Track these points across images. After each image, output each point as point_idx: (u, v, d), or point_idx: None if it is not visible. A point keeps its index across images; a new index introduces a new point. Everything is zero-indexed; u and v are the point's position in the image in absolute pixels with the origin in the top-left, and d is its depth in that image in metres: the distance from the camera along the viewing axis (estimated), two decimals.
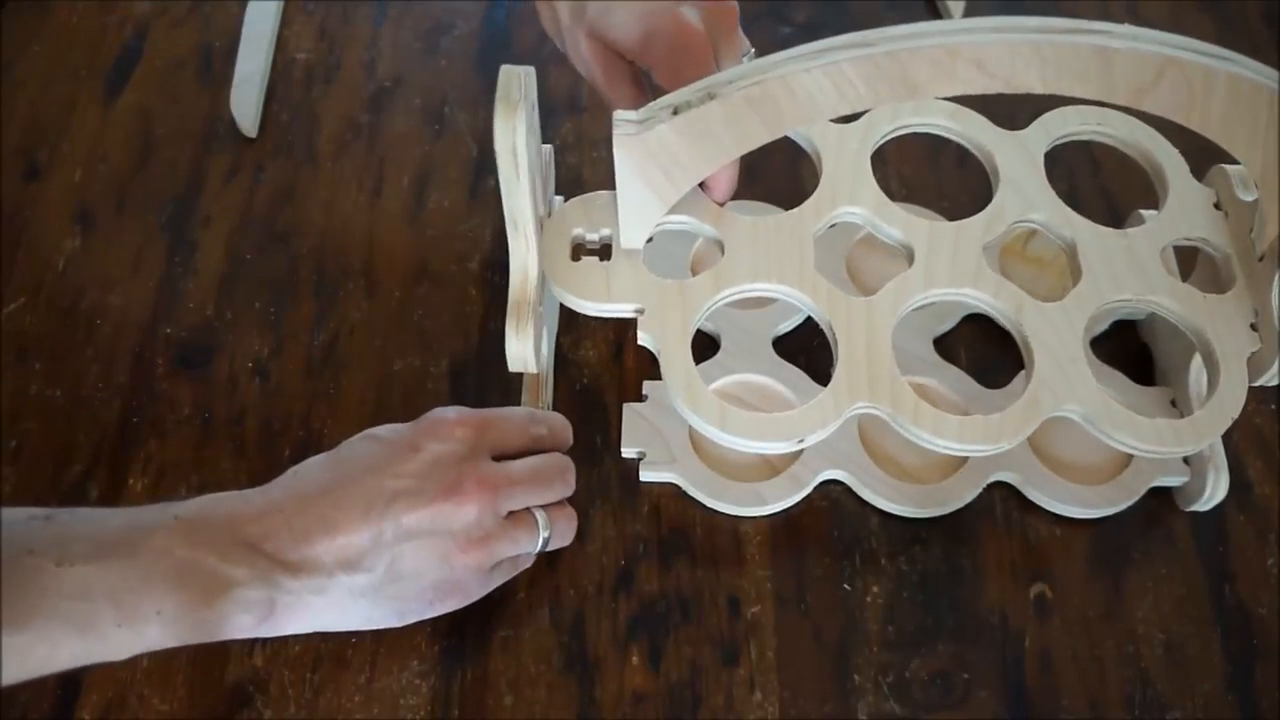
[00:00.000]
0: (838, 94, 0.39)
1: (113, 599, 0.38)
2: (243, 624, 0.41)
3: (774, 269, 0.47)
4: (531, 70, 0.39)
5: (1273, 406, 0.56)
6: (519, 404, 0.52)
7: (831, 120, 0.46)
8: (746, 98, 0.39)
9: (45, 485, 0.52)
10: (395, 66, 0.66)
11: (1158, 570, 0.52)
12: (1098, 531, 0.52)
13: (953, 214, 0.52)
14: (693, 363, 0.46)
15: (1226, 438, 0.55)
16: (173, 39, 0.67)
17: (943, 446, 0.45)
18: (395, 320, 0.57)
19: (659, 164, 0.41)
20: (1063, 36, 0.38)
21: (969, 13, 0.71)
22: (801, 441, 0.44)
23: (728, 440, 0.45)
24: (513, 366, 0.46)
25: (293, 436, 0.53)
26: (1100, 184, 0.63)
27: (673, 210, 0.47)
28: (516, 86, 0.38)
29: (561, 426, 0.50)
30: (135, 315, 0.57)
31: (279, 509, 0.42)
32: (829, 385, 0.45)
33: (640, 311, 0.46)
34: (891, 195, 0.50)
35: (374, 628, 0.45)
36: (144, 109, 0.64)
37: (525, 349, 0.45)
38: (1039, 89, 0.39)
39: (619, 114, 0.40)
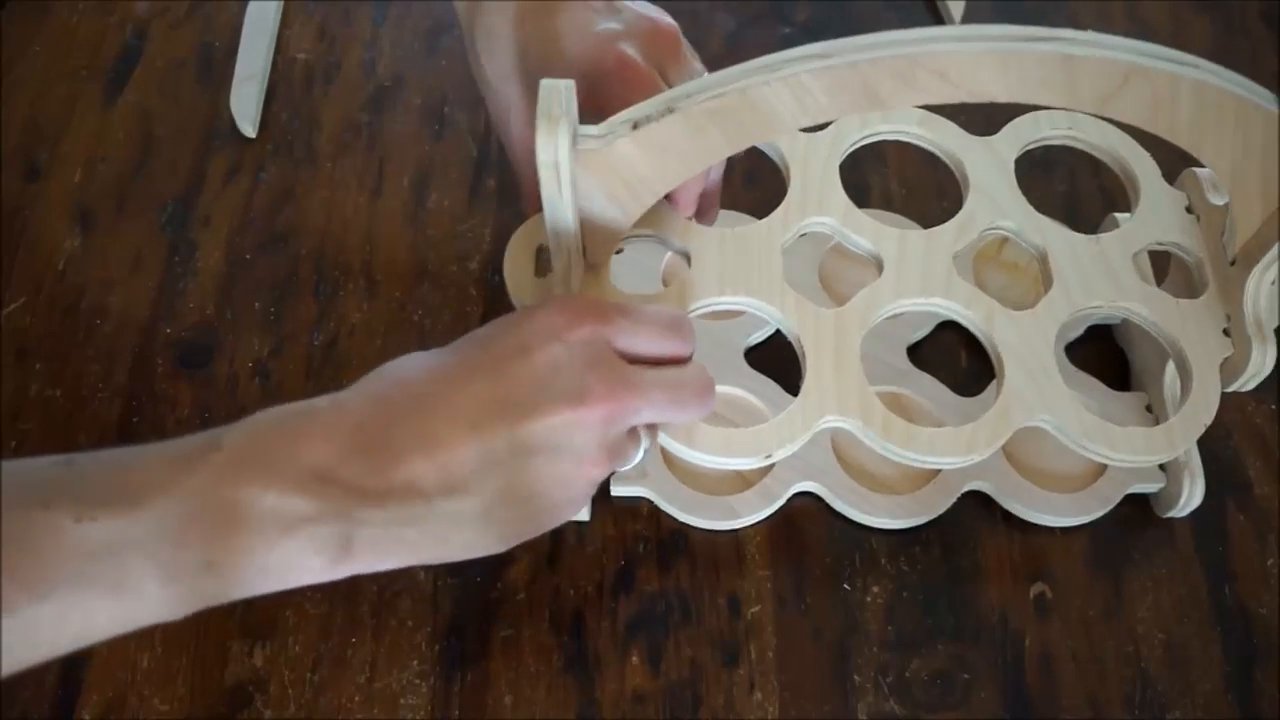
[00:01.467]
0: (799, 106, 0.39)
1: (149, 554, 0.32)
2: (312, 568, 0.35)
3: (741, 281, 0.47)
4: (572, 84, 0.39)
5: (1273, 406, 0.56)
6: None
7: (800, 129, 0.46)
8: (706, 111, 0.39)
9: None
10: (395, 66, 0.66)
11: (1158, 570, 0.52)
12: (1098, 532, 0.52)
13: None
14: None
15: (1226, 437, 0.55)
16: (173, 39, 0.67)
17: (913, 459, 0.44)
18: (395, 320, 0.57)
19: (621, 178, 0.40)
20: (1025, 45, 0.37)
21: (969, 13, 0.71)
22: (769, 457, 0.44)
23: (695, 456, 0.44)
24: None
25: None
26: (1101, 184, 0.63)
27: (639, 222, 0.47)
28: (558, 102, 0.38)
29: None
30: (135, 315, 0.57)
31: (358, 423, 0.35)
32: (797, 399, 0.45)
33: None
34: (891, 195, 0.50)
35: (474, 556, 0.38)
36: (144, 109, 0.65)
37: None
38: (1003, 98, 0.39)
39: (581, 128, 0.39)
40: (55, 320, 0.57)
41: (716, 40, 0.69)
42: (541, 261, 0.48)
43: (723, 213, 0.57)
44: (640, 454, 0.42)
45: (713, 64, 0.67)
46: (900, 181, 0.62)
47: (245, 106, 0.64)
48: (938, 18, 0.71)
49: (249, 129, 0.63)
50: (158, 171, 0.62)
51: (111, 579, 0.32)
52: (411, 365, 0.38)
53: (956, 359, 0.56)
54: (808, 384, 0.45)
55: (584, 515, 0.51)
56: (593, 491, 0.40)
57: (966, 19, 0.70)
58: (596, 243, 0.44)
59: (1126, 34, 0.72)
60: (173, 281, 0.58)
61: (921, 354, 0.56)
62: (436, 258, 0.59)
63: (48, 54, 0.66)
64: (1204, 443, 0.54)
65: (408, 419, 0.35)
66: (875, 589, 0.51)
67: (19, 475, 0.33)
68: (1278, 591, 0.51)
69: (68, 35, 0.67)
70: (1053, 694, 0.48)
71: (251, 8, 0.68)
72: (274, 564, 0.34)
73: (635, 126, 0.39)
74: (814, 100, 0.38)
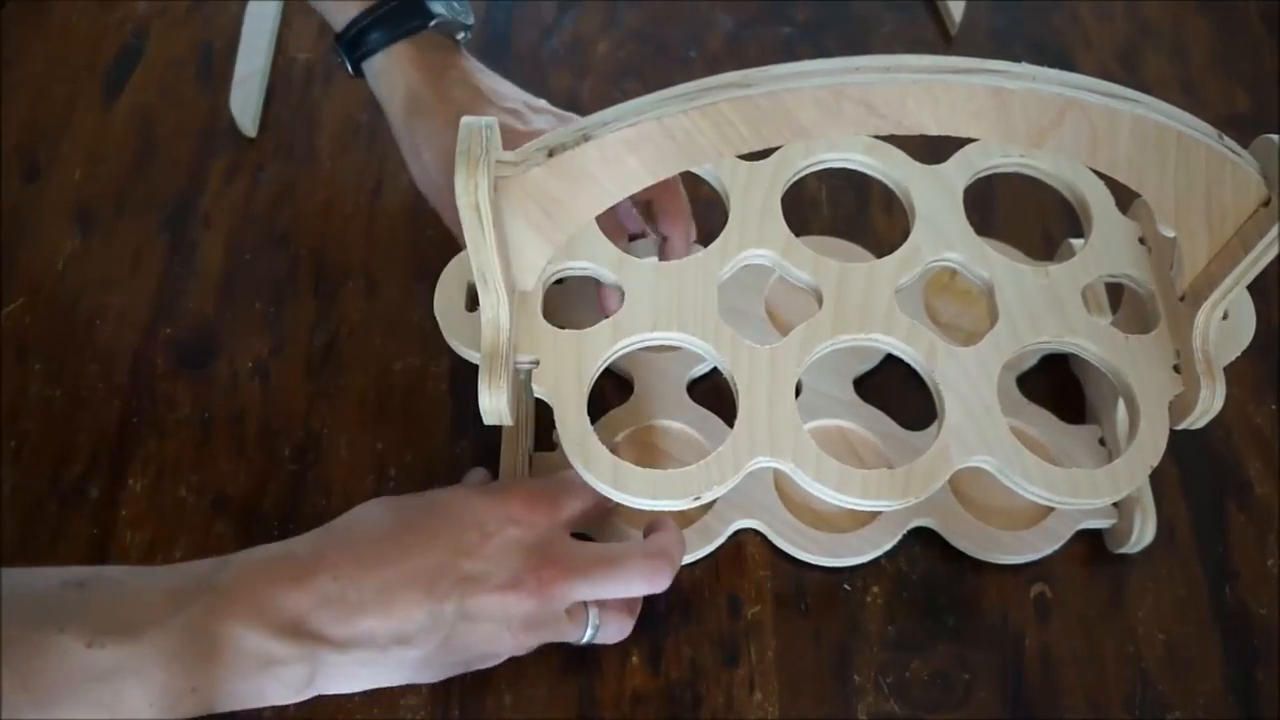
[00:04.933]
0: (720, 136, 0.37)
1: (143, 679, 0.37)
2: (280, 695, 0.41)
3: (675, 316, 0.46)
4: (494, 121, 0.38)
5: (1273, 407, 0.56)
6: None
7: (741, 157, 0.44)
8: (622, 140, 0.37)
9: (45, 485, 0.52)
10: None
11: (1158, 570, 0.52)
12: (1098, 531, 0.52)
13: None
14: (587, 418, 0.44)
15: (1226, 437, 0.55)
16: (173, 39, 0.67)
17: (848, 502, 0.43)
18: (395, 320, 0.57)
19: (539, 205, 0.39)
20: (955, 77, 0.36)
21: (970, 13, 0.71)
22: (698, 499, 0.43)
23: (622, 499, 0.43)
24: (487, 420, 0.43)
25: (293, 436, 0.53)
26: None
27: (573, 254, 0.46)
28: (478, 142, 0.37)
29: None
30: (135, 315, 0.57)
31: (332, 574, 0.40)
32: (728, 439, 0.44)
33: (535, 363, 0.45)
34: (891, 199, 0.50)
35: (412, 683, 0.44)
36: (144, 109, 0.64)
37: (500, 403, 0.42)
38: (934, 130, 0.37)
39: (500, 155, 0.38)
40: (55, 320, 0.57)
41: (716, 40, 0.69)
42: (472, 296, 0.46)
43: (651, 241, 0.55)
44: (588, 631, 0.45)
45: (713, 64, 0.68)
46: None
47: (245, 106, 0.64)
48: (937, 17, 0.71)
49: (249, 129, 0.63)
50: (158, 171, 0.62)
51: (108, 699, 0.37)
52: (383, 519, 0.43)
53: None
54: (739, 424, 0.44)
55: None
56: (522, 649, 0.44)
57: (966, 19, 0.70)
58: (523, 270, 0.43)
59: (1127, 34, 0.73)
60: (173, 281, 0.58)
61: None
62: (436, 258, 0.59)
63: (48, 54, 0.66)
64: (1204, 443, 0.55)
65: (375, 577, 0.41)
66: (875, 589, 0.51)
67: (37, 593, 0.38)
68: (1278, 591, 0.51)
69: (68, 35, 0.67)
70: (1053, 694, 0.48)
71: (251, 8, 0.68)
72: (247, 693, 0.40)
73: (551, 154, 0.38)
74: (735, 130, 0.37)
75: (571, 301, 0.53)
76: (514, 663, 0.48)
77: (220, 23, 0.68)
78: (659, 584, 0.45)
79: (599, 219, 0.44)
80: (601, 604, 0.46)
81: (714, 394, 0.53)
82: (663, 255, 0.51)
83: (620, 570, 0.44)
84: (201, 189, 0.61)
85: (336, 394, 0.55)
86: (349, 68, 0.53)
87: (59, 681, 0.36)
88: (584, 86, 0.66)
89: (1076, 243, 0.51)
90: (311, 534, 0.43)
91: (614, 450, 0.44)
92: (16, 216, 0.60)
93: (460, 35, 0.53)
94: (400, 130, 0.53)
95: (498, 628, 0.43)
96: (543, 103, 0.54)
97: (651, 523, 0.48)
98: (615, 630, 0.46)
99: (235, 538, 0.51)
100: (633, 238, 0.54)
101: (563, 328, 0.45)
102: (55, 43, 0.67)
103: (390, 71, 0.52)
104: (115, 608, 0.38)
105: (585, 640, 0.46)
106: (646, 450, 0.52)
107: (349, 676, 0.42)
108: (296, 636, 0.39)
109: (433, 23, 0.51)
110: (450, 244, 0.59)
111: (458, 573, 0.42)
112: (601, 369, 0.45)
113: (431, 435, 0.54)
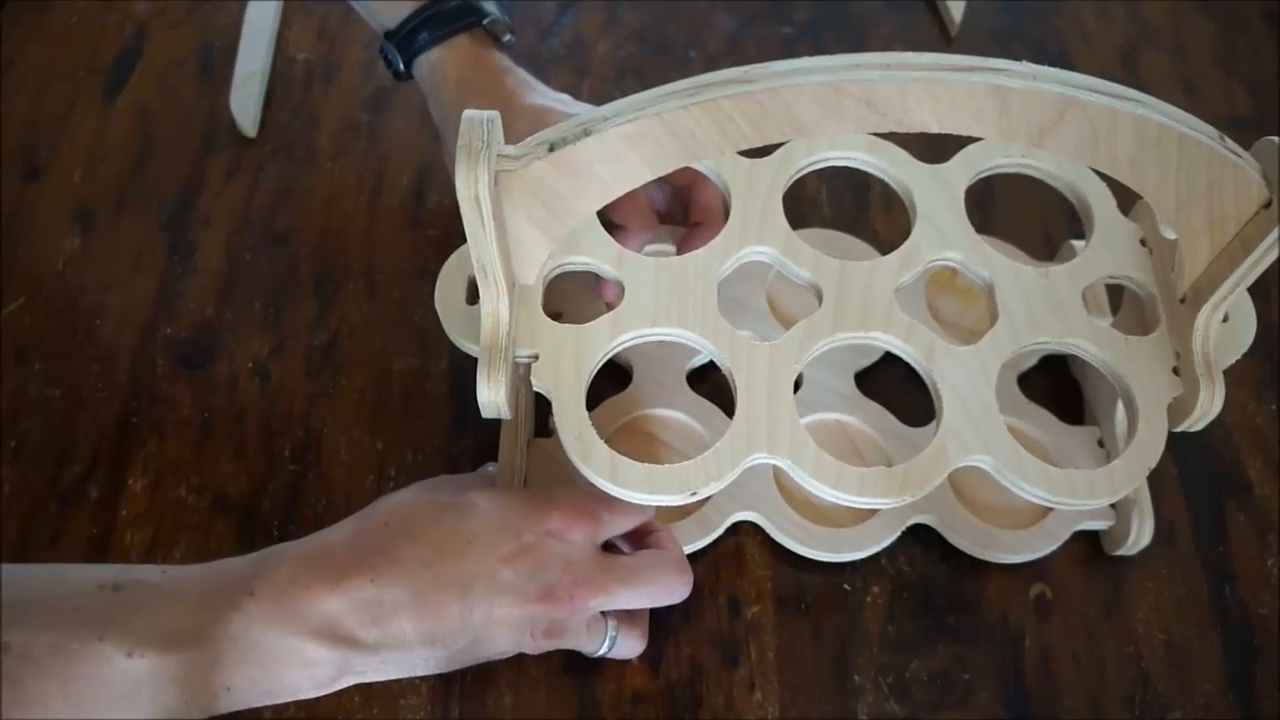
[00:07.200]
0: (720, 132, 0.37)
1: (181, 684, 0.38)
2: (309, 690, 0.42)
3: (675, 312, 0.45)
4: (496, 115, 0.38)
5: (1273, 407, 0.56)
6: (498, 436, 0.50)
7: (744, 154, 0.44)
8: (623, 135, 0.37)
9: (45, 485, 0.52)
10: None
11: (1158, 570, 0.52)
12: (1098, 531, 0.52)
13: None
14: (586, 414, 0.44)
15: (1226, 437, 0.55)
16: (173, 39, 0.67)
17: (844, 499, 0.43)
18: (395, 320, 0.57)
19: (540, 200, 0.39)
20: (956, 75, 0.36)
21: (970, 13, 0.71)
22: (695, 494, 0.43)
23: (619, 492, 0.43)
24: (485, 413, 0.43)
25: (293, 436, 0.53)
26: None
27: (574, 249, 0.46)
28: (479, 135, 0.37)
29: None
30: (135, 315, 0.57)
31: (369, 576, 0.41)
32: (726, 434, 0.43)
33: (534, 358, 0.44)
34: (890, 198, 0.50)
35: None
36: (144, 109, 0.65)
37: (498, 396, 0.42)
38: (934, 128, 0.37)
39: (501, 148, 0.38)
40: (55, 320, 0.57)
41: (716, 40, 0.69)
42: (473, 290, 0.46)
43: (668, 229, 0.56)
44: (604, 644, 0.46)
45: (712, 64, 0.68)
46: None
47: (245, 106, 0.64)
48: (937, 18, 0.71)
49: (249, 129, 0.63)
50: (158, 171, 0.62)
51: (146, 703, 0.38)
52: (420, 515, 0.43)
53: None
54: (738, 419, 0.44)
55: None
56: (537, 650, 0.45)
57: (967, 19, 0.70)
58: (523, 265, 0.43)
59: (1127, 34, 0.73)
60: (173, 281, 0.58)
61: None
62: (436, 258, 0.59)
63: (47, 54, 0.66)
64: (1204, 443, 0.55)
65: (408, 576, 0.41)
66: (875, 589, 0.51)
67: (72, 596, 0.39)
68: (1278, 591, 0.51)
69: (67, 35, 0.67)
70: (1053, 694, 0.48)
71: (251, 8, 0.68)
72: (280, 689, 0.41)
73: (552, 148, 0.38)
74: (735, 127, 0.37)
75: (571, 285, 0.53)
76: (515, 663, 0.48)
77: (220, 23, 0.68)
78: (680, 596, 0.46)
79: (626, 203, 0.45)
80: (619, 620, 0.46)
81: (715, 383, 0.53)
82: (690, 243, 0.50)
83: (649, 586, 0.45)
84: (201, 189, 0.61)
85: (336, 394, 0.55)
86: (396, 66, 0.55)
87: (98, 688, 0.37)
88: (584, 86, 0.66)
89: (1077, 244, 0.51)
90: (347, 526, 0.43)
91: (611, 439, 0.44)
92: (16, 216, 0.60)
93: (506, 38, 0.55)
94: (450, 115, 0.54)
95: (521, 633, 0.43)
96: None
97: (647, 527, 0.48)
98: (629, 647, 0.47)
99: (235, 538, 0.51)
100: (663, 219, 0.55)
101: (559, 315, 0.45)
102: (55, 43, 0.67)
103: (445, 62, 0.54)
104: (153, 616, 0.39)
105: (600, 653, 0.46)
106: (644, 439, 0.52)
107: (374, 672, 0.43)
108: (331, 640, 0.40)
109: (486, 20, 0.54)
110: (450, 244, 0.59)
111: (492, 581, 0.42)
112: (602, 362, 0.45)
113: (431, 435, 0.54)
